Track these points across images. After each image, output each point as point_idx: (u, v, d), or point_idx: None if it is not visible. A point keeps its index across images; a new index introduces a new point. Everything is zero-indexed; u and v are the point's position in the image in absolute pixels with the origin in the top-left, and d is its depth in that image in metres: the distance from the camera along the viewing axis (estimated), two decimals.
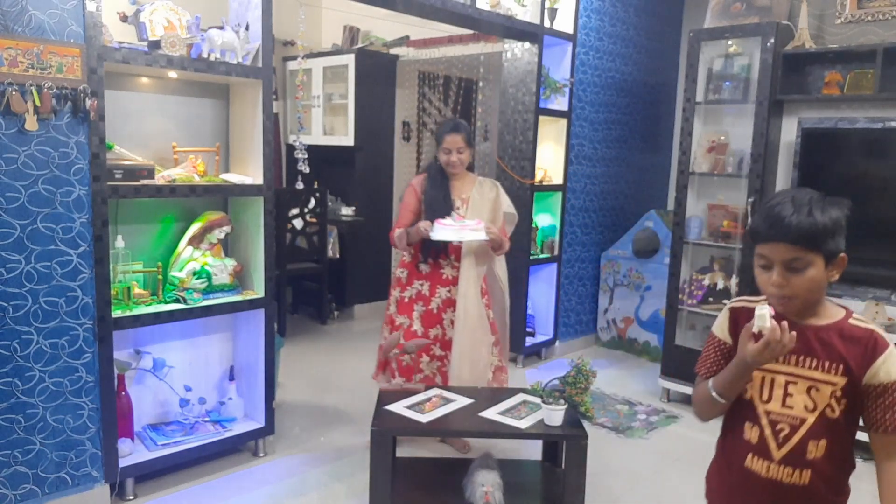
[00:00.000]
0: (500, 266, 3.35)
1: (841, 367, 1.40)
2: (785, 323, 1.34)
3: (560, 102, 4.48)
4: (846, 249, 1.39)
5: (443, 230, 2.97)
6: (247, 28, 2.89)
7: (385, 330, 3.26)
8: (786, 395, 1.44)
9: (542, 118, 4.37)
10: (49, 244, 2.40)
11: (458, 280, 3.13)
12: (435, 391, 2.91)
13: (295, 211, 5.03)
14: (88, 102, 2.40)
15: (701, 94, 3.94)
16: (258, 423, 3.12)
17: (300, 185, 3.44)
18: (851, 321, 1.43)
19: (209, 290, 2.92)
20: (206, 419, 3.07)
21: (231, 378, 3.20)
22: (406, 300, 3.17)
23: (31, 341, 2.39)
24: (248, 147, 3.06)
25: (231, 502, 2.78)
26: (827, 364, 1.41)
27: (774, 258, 1.36)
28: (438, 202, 3.08)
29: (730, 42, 3.86)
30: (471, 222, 3.00)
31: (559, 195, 4.62)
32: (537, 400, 2.70)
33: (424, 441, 3.25)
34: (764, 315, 1.34)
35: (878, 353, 1.38)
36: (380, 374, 3.13)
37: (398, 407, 2.73)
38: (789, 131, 3.80)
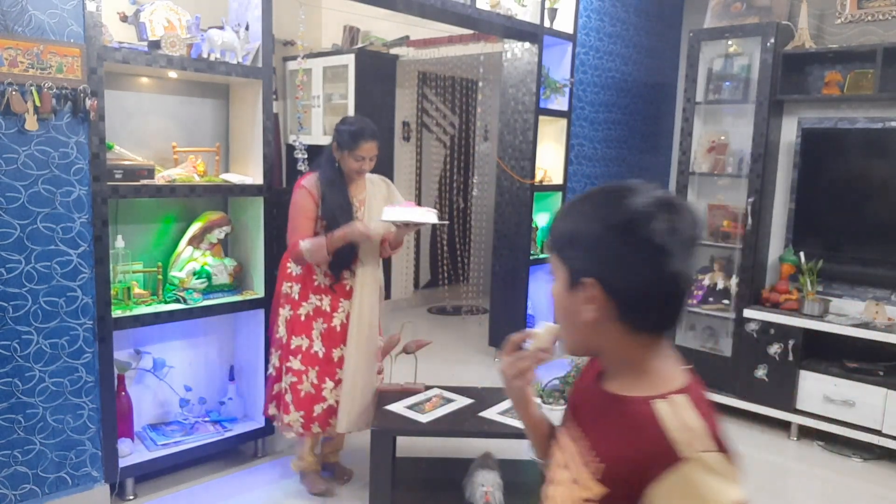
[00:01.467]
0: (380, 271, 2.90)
1: (602, 468, 0.90)
2: (544, 351, 1.02)
3: (560, 102, 4.48)
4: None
5: (394, 211, 2.62)
6: (247, 28, 2.89)
7: (274, 357, 2.81)
8: (553, 479, 1.01)
9: (542, 118, 4.37)
10: (49, 244, 2.40)
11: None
12: (435, 391, 2.91)
13: None
14: (88, 102, 2.40)
15: (701, 94, 3.94)
16: (258, 423, 3.12)
17: None
18: (658, 404, 0.87)
19: (209, 290, 2.92)
20: (206, 419, 3.07)
21: (231, 378, 3.20)
22: (302, 318, 2.71)
23: (31, 341, 2.39)
24: (248, 147, 3.06)
25: (231, 502, 2.78)
26: (588, 455, 0.93)
27: None
28: (341, 208, 2.66)
29: (730, 42, 3.86)
30: (420, 207, 2.71)
31: (559, 195, 4.62)
32: (537, 400, 2.70)
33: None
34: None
35: (665, 465, 0.83)
36: (267, 408, 2.84)
37: (398, 407, 2.73)
38: (789, 131, 3.80)
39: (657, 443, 0.84)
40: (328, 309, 2.73)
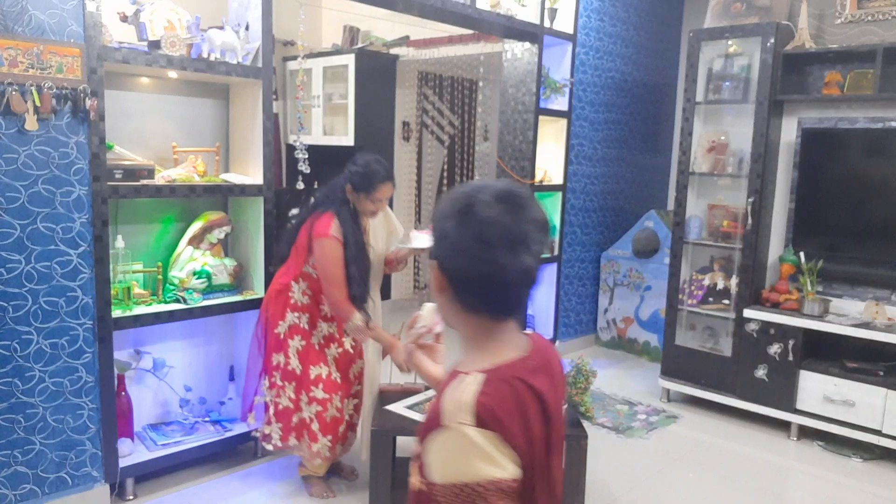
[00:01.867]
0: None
1: (421, 427, 1.03)
2: (426, 328, 1.25)
3: (560, 102, 4.48)
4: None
5: (423, 238, 2.74)
6: (247, 28, 2.89)
7: (289, 389, 2.71)
8: None
9: (542, 118, 4.36)
10: (49, 244, 2.40)
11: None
12: (435, 391, 2.91)
13: (295, 211, 5.02)
14: (88, 102, 2.40)
15: (701, 94, 3.94)
16: (258, 423, 3.12)
17: (301, 186, 3.43)
18: (458, 377, 0.98)
19: (209, 290, 2.92)
20: (206, 419, 3.07)
21: (231, 378, 3.20)
22: (316, 347, 2.72)
23: (31, 341, 2.39)
24: (248, 147, 3.06)
25: (231, 502, 2.78)
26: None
27: None
28: (358, 246, 2.66)
29: (730, 42, 3.86)
30: None
31: (559, 195, 4.61)
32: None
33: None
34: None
35: (433, 428, 0.94)
36: (287, 439, 2.73)
37: (398, 407, 2.73)
38: (789, 131, 3.80)
39: (436, 408, 0.95)
40: (338, 334, 2.75)
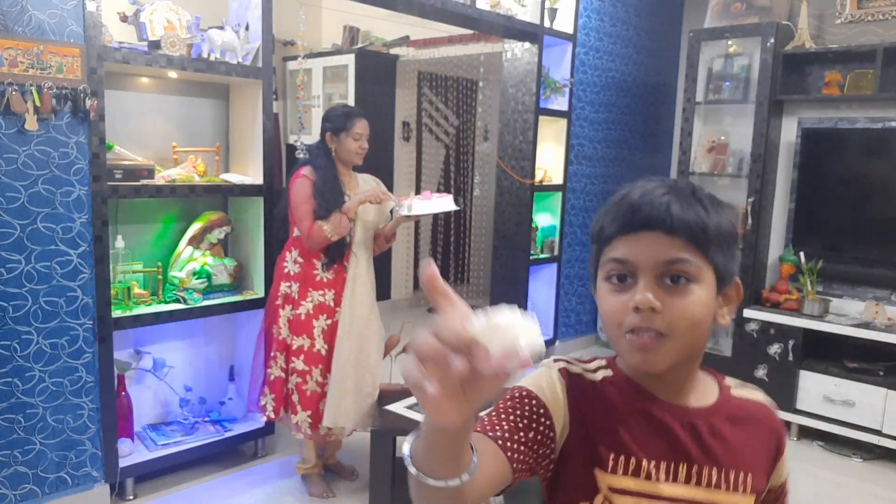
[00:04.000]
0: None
1: (750, 477, 0.88)
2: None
3: (560, 102, 4.48)
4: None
5: (421, 204, 2.69)
6: (247, 28, 2.89)
7: (280, 359, 2.72)
8: None
9: (542, 118, 4.36)
10: (49, 244, 2.40)
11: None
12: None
13: None
14: (88, 102, 2.40)
15: (701, 94, 3.94)
16: (258, 423, 3.12)
17: None
18: (734, 393, 0.92)
19: (209, 290, 2.92)
20: (206, 419, 3.07)
21: (231, 378, 3.20)
22: (303, 317, 2.67)
23: (31, 341, 2.39)
24: (248, 147, 3.06)
25: (231, 502, 2.78)
26: (733, 476, 0.87)
27: (641, 261, 0.82)
28: (333, 194, 2.63)
29: (730, 42, 3.86)
30: (439, 196, 2.74)
31: (559, 195, 4.62)
32: None
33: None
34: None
35: (783, 443, 0.92)
36: (279, 411, 2.75)
37: (398, 407, 2.73)
38: (789, 131, 3.80)
39: (776, 422, 0.96)
40: (332, 303, 2.71)
